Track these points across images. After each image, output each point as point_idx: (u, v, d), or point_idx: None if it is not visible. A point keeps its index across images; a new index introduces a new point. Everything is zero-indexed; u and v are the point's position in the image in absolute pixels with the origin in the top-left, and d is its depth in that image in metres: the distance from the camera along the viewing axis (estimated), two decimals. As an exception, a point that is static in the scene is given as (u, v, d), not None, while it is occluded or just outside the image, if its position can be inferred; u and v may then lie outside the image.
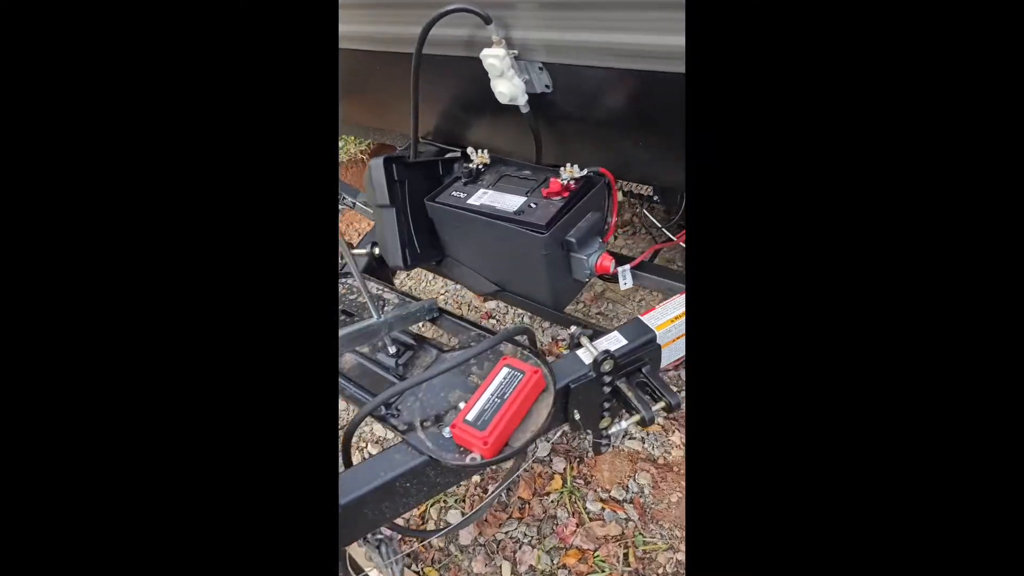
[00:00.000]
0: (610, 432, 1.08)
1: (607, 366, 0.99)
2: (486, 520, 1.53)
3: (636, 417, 1.00)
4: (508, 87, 1.15)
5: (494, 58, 1.10)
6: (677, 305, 1.09)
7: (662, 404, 1.01)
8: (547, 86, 1.19)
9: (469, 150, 1.39)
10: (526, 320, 2.02)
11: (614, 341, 1.03)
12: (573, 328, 1.04)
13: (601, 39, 1.03)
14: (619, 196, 1.65)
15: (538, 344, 1.83)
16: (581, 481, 1.58)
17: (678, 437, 1.66)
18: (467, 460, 0.87)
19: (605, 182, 1.25)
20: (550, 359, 1.02)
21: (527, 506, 1.55)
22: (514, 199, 1.25)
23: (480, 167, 1.36)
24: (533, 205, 1.21)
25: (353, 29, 1.39)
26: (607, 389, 1.02)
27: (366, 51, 1.42)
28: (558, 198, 1.21)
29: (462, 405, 0.94)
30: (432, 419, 0.96)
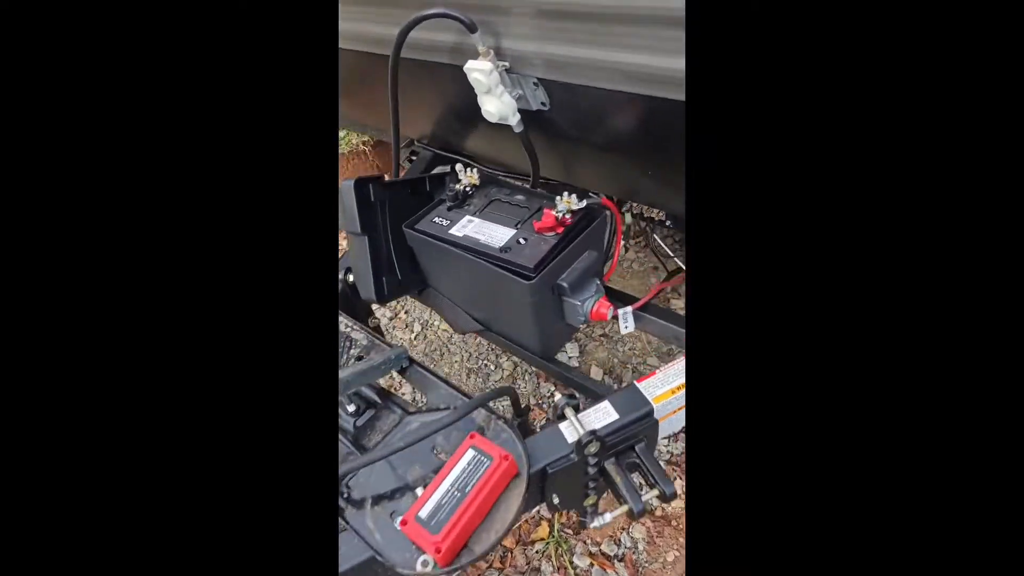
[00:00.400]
0: (596, 515, 0.94)
1: (593, 448, 0.84)
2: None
3: (623, 509, 0.85)
4: (496, 105, 0.98)
5: (479, 73, 0.94)
6: (679, 372, 0.93)
7: (655, 492, 0.87)
8: (543, 104, 1.02)
9: (458, 167, 1.23)
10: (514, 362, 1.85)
11: (604, 415, 0.89)
12: (557, 397, 0.90)
13: (607, 57, 0.86)
14: (626, 219, 1.48)
15: (523, 401, 1.66)
16: (570, 531, 1.45)
17: (679, 485, 1.52)
18: (418, 566, 0.74)
19: (607, 215, 1.09)
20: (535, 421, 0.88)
21: (509, 555, 1.42)
22: (502, 231, 1.09)
23: (468, 189, 1.20)
24: (522, 240, 1.06)
25: (343, 27, 1.23)
26: (592, 470, 0.88)
27: (355, 51, 1.26)
28: (551, 234, 1.05)
29: (420, 491, 0.80)
30: (385, 502, 0.83)
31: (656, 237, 1.59)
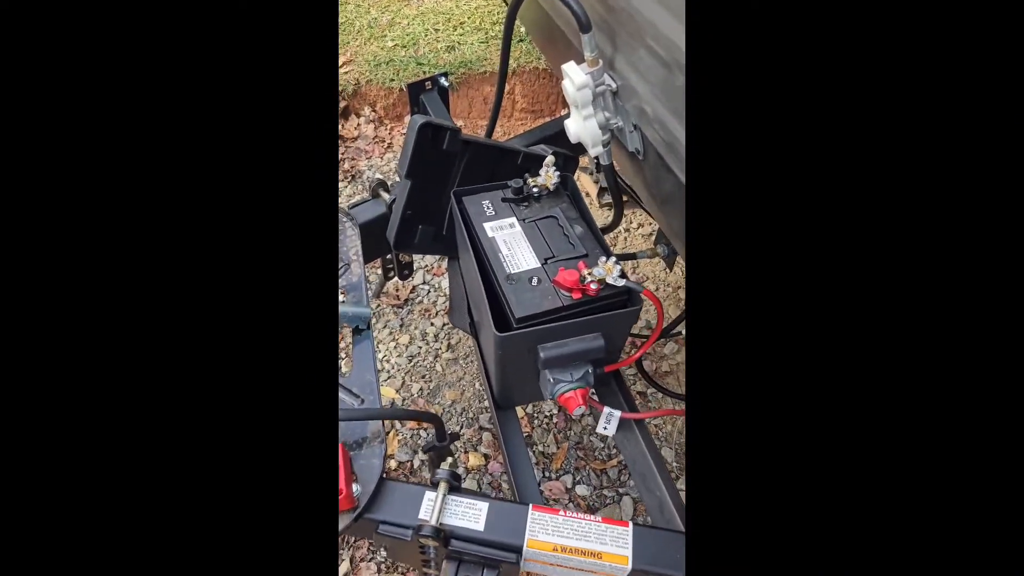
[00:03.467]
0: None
1: (430, 542, 0.73)
2: None
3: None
4: (577, 125, 0.79)
5: (569, 81, 0.75)
6: (589, 533, 0.75)
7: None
8: (638, 151, 0.81)
9: (548, 161, 1.06)
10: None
11: (472, 516, 0.76)
12: (440, 471, 0.78)
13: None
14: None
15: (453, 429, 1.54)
16: None
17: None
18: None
19: (636, 309, 0.88)
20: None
21: None
22: (528, 257, 0.93)
23: (537, 191, 1.04)
24: (535, 281, 0.89)
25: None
26: (429, 553, 0.77)
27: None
28: (566, 293, 0.87)
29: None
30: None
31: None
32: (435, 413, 0.87)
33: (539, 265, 0.92)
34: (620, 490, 1.52)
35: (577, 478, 1.54)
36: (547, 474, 1.55)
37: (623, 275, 0.88)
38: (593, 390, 0.96)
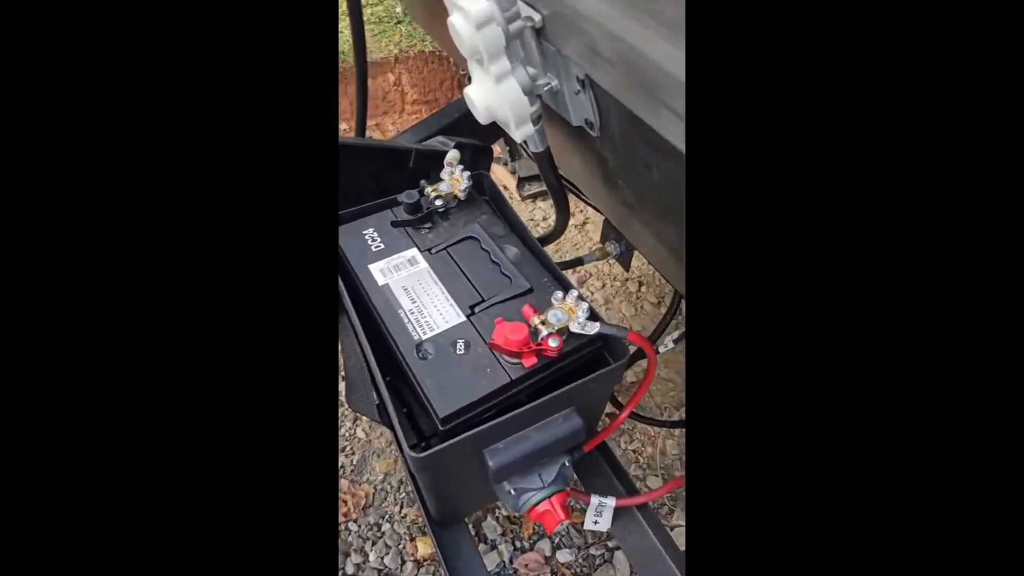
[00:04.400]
0: None
1: None
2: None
3: None
4: (485, 93, 0.48)
5: (461, 19, 0.43)
6: None
7: None
8: (588, 124, 0.51)
9: (449, 160, 0.74)
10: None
11: None
12: None
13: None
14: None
15: None
16: None
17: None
18: None
19: (620, 365, 0.58)
20: None
21: None
22: (444, 307, 0.61)
23: (441, 204, 0.71)
24: (460, 347, 0.58)
25: None
26: None
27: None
28: (514, 360, 0.56)
29: None
30: None
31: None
32: None
33: (463, 319, 0.60)
34: (610, 544, 1.24)
35: (556, 541, 1.25)
36: (518, 544, 1.25)
37: (593, 315, 0.57)
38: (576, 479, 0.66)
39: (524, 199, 1.84)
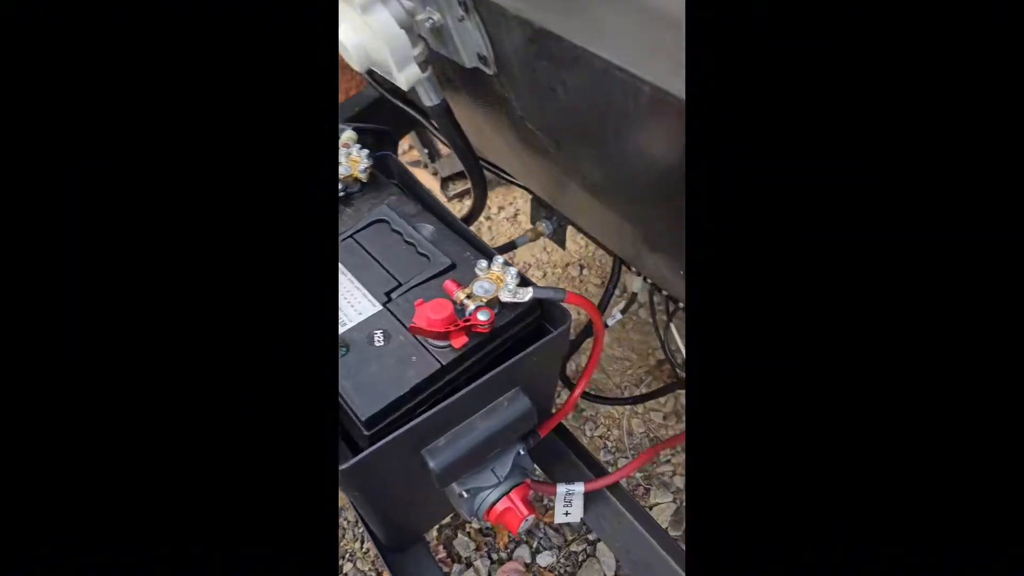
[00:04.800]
0: None
1: None
2: None
3: None
4: (355, 33, 0.41)
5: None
6: None
7: None
8: (482, 58, 0.44)
9: (346, 139, 0.66)
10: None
11: None
12: None
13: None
14: (635, 286, 0.92)
15: None
16: None
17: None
18: None
19: (564, 330, 0.52)
20: None
21: None
22: (357, 299, 0.54)
23: (342, 187, 0.63)
24: (379, 339, 0.50)
25: None
26: None
27: None
28: (442, 343, 0.49)
29: None
30: None
31: (673, 328, 1.00)
32: None
33: (379, 307, 0.53)
34: (590, 537, 1.18)
35: (535, 545, 1.17)
36: (495, 556, 1.17)
37: (524, 280, 0.51)
38: (536, 469, 0.59)
39: (451, 199, 1.77)
